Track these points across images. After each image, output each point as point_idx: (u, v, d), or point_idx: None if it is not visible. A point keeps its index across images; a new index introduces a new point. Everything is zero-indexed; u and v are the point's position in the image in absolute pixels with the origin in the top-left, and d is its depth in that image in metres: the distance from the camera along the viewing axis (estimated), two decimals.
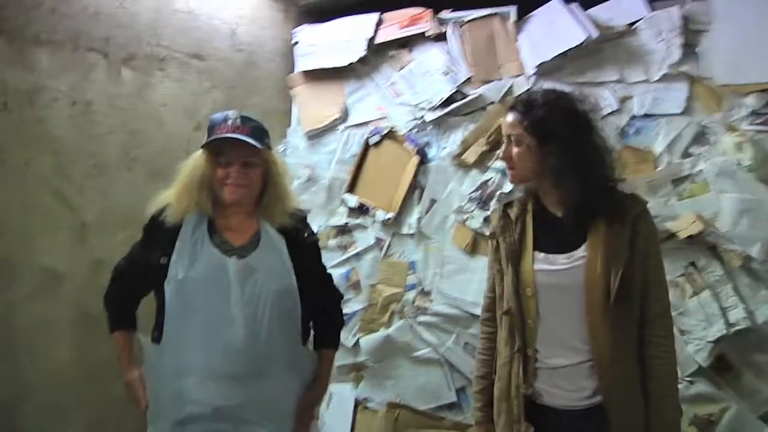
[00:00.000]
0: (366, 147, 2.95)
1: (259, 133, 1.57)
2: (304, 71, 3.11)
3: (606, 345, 1.39)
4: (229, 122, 1.52)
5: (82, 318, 2.02)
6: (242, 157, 1.53)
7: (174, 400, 1.49)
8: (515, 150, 1.47)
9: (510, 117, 1.49)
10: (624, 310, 1.39)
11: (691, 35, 2.49)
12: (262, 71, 2.91)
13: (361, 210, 2.90)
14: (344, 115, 3.01)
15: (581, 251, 1.43)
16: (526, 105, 1.47)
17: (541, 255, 1.47)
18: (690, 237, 2.25)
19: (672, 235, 2.37)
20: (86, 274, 1.97)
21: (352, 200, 2.90)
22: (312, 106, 3.09)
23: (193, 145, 2.43)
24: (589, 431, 1.44)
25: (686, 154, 2.46)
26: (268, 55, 2.95)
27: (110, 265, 2.12)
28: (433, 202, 2.83)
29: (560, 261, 1.45)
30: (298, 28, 3.15)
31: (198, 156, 1.54)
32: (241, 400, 1.49)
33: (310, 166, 3.02)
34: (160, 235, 1.54)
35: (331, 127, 3.03)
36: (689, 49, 2.48)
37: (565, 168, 1.40)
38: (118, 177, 2.17)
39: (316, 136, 3.06)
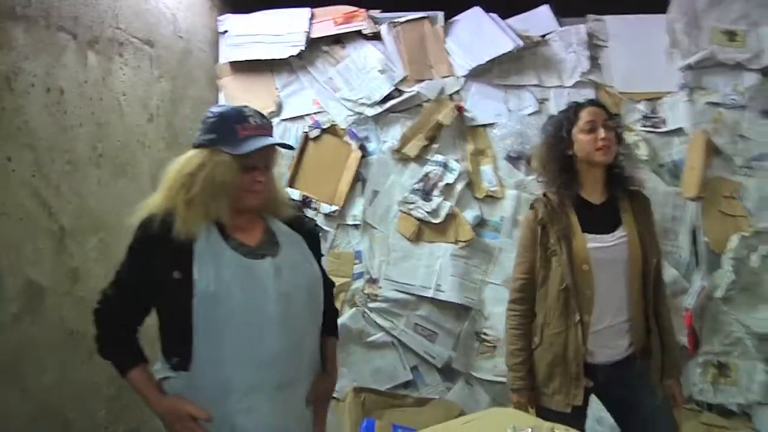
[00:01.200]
0: (305, 140, 3.06)
1: (273, 129, 1.58)
2: (232, 62, 3.10)
3: (640, 306, 1.91)
4: (251, 120, 1.46)
5: (65, 336, 1.91)
6: (267, 160, 1.50)
7: (220, 424, 1.43)
8: (611, 134, 1.91)
9: (601, 110, 1.96)
10: (650, 278, 1.90)
11: (594, 49, 3.05)
12: (196, 60, 2.96)
13: (305, 203, 3.01)
14: (278, 108, 3.13)
15: (621, 231, 1.92)
16: (605, 107, 1.98)
17: (591, 236, 1.90)
18: None
19: None
20: (67, 286, 1.86)
21: (295, 194, 2.99)
22: (241, 98, 3.17)
23: (149, 138, 2.38)
24: (629, 374, 1.89)
25: None
26: (200, 44, 2.98)
27: (86, 275, 2.00)
28: (375, 193, 3.11)
29: (607, 239, 1.91)
30: (223, 16, 3.16)
31: (217, 159, 1.42)
32: (282, 408, 1.47)
33: None
34: (163, 248, 1.41)
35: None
36: (594, 60, 3.04)
37: (625, 162, 1.90)
38: (89, 175, 2.09)
39: None
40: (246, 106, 1.50)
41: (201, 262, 1.39)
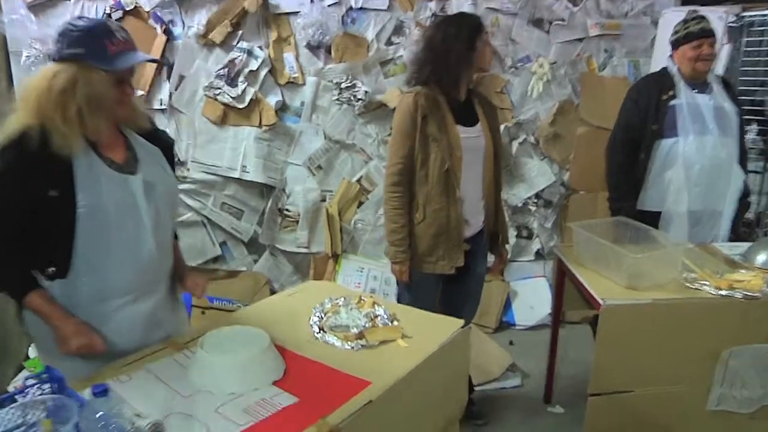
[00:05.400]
0: None
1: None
2: None
3: (492, 188, 2.54)
4: (118, 35, 1.56)
5: None
6: (133, 72, 1.63)
7: (95, 326, 1.61)
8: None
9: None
10: (498, 165, 2.57)
11: None
12: None
13: None
14: None
15: (479, 125, 2.46)
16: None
17: (460, 127, 2.38)
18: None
19: (383, 105, 3.49)
20: None
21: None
22: None
23: None
24: (479, 244, 2.56)
25: (389, 42, 3.58)
26: None
27: None
28: (181, 78, 3.44)
29: (471, 132, 2.42)
30: None
31: (91, 75, 1.51)
32: (153, 303, 1.72)
33: (40, 39, 3.21)
34: (41, 166, 1.50)
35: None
36: None
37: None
38: None
39: (40, 5, 3.22)
40: (109, 19, 1.71)
41: (82, 179, 1.53)
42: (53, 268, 1.58)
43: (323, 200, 3.74)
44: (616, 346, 2.15)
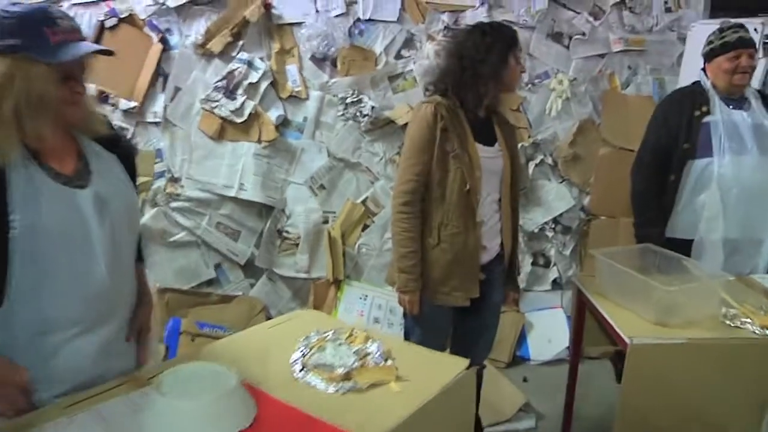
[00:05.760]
0: (100, 30, 3.14)
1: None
2: None
3: (508, 212, 2.32)
4: (61, 22, 1.36)
5: None
6: (83, 67, 1.42)
7: (37, 361, 1.41)
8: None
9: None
10: (516, 188, 2.36)
11: None
12: None
13: (101, 98, 3.11)
14: None
15: (498, 145, 2.28)
16: None
17: (480, 146, 2.20)
18: (405, 124, 3.16)
19: (391, 122, 3.30)
20: None
21: (90, 89, 3.07)
22: None
23: None
24: (495, 271, 2.33)
25: (399, 56, 3.40)
26: None
27: None
28: (177, 90, 3.27)
29: (491, 151, 2.24)
30: None
31: (30, 69, 1.31)
32: (108, 336, 1.50)
33: None
34: None
35: (49, 2, 3.06)
36: None
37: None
38: None
39: None
40: (51, 5, 1.42)
41: (18, 194, 1.33)
42: None
43: (325, 222, 3.53)
44: (645, 391, 1.89)
